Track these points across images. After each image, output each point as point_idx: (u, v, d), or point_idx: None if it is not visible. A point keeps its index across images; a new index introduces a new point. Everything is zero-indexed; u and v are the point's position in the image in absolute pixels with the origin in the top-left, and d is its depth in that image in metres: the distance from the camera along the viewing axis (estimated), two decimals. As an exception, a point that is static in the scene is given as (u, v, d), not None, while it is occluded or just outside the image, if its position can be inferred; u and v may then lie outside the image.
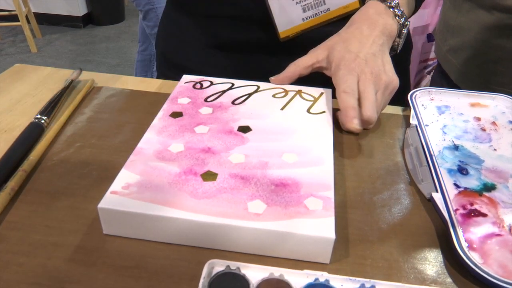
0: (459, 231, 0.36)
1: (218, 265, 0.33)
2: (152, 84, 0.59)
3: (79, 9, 4.21)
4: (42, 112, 0.49)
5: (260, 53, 0.62)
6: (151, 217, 0.34)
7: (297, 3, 0.57)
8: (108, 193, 0.35)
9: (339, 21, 0.57)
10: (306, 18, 0.57)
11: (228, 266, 0.32)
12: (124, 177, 0.37)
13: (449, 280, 0.34)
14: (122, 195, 0.35)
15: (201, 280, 0.31)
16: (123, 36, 4.09)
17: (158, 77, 0.72)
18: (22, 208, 0.39)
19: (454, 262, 0.35)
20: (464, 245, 0.35)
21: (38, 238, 0.36)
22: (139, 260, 0.34)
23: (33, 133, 0.46)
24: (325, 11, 0.57)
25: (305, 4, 0.57)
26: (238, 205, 0.35)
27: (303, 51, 0.55)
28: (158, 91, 0.58)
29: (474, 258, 0.34)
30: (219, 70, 0.62)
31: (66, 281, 0.32)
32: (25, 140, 0.45)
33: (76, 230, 0.37)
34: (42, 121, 0.48)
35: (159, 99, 0.55)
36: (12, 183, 0.40)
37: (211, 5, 0.61)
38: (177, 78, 0.55)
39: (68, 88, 0.55)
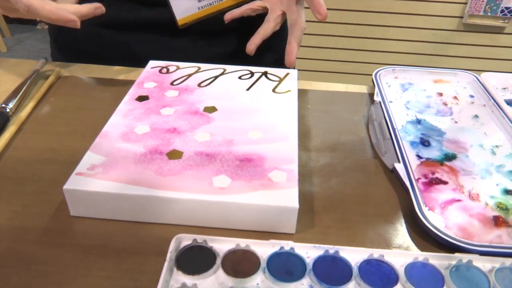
0: (420, 198, 0.38)
1: (185, 240, 0.33)
2: (118, 72, 0.59)
3: (50, 7, 4.14)
4: (6, 101, 0.48)
5: (158, 34, 0.63)
6: (117, 195, 0.34)
7: None
8: (73, 175, 0.35)
9: (232, 9, 0.60)
10: (202, 7, 0.60)
11: (195, 240, 0.33)
12: (90, 159, 0.37)
13: (412, 244, 0.35)
14: (87, 176, 0.35)
15: (168, 254, 0.32)
16: (96, 33, 4.03)
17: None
18: (-14, 198, 0.38)
19: (417, 228, 0.36)
20: (425, 210, 0.36)
21: (3, 223, 0.36)
22: (107, 239, 0.34)
23: (0, 121, 0.46)
24: (218, 0, 0.60)
25: None
26: (203, 180, 0.35)
27: (200, 34, 0.61)
28: (126, 78, 0.58)
29: (436, 222, 0.35)
30: (116, 51, 0.62)
31: (33, 263, 0.32)
32: (-10, 128, 0.44)
33: (43, 213, 0.37)
34: (7, 110, 0.47)
35: (126, 85, 0.55)
36: (-24, 171, 0.39)
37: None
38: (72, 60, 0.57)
39: (33, 77, 0.55)
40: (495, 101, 0.53)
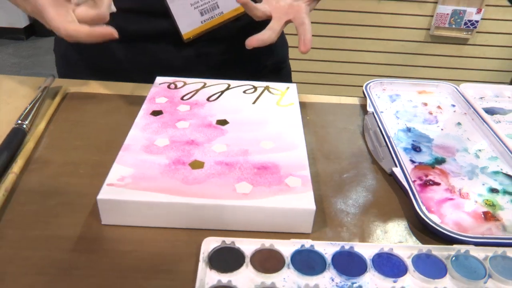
0: (419, 198, 0.42)
1: (214, 242, 0.36)
2: (124, 88, 0.62)
3: (21, 21, 4.05)
4: (22, 118, 0.50)
5: (164, 45, 0.66)
6: (148, 203, 0.37)
7: (195, 8, 0.62)
8: (105, 186, 0.38)
9: (233, 22, 0.64)
10: (205, 21, 0.64)
11: (223, 241, 0.36)
12: (118, 171, 0.40)
13: (413, 238, 0.39)
14: (118, 186, 0.38)
15: (201, 255, 0.35)
16: (69, 47, 3.99)
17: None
18: (17, 208, 0.40)
19: (417, 224, 0.41)
20: (424, 209, 0.41)
21: (37, 233, 0.38)
22: (139, 245, 0.37)
23: (16, 137, 0.48)
24: (219, 14, 0.64)
25: (202, 9, 0.63)
26: (227, 187, 0.39)
27: (205, 44, 0.65)
28: (132, 94, 0.60)
29: (433, 219, 0.40)
30: (124, 62, 0.65)
31: (71, 269, 0.35)
32: (10, 144, 0.46)
33: (74, 223, 0.39)
34: (24, 126, 0.49)
35: (134, 101, 0.58)
36: (5, 185, 0.41)
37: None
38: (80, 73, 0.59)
39: (44, 94, 0.57)
40: (474, 109, 0.58)
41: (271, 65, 0.75)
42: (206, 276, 0.34)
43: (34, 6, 0.46)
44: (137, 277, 0.34)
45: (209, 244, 0.36)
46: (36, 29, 4.17)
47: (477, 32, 2.57)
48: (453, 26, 2.60)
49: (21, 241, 0.37)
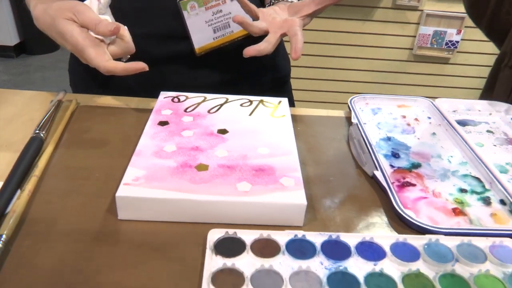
0: (397, 197, 0.48)
1: (218, 233, 0.42)
2: (130, 102, 0.67)
3: (11, 39, 4.09)
4: (40, 128, 0.55)
5: (178, 65, 0.73)
6: (161, 200, 0.42)
7: (209, 25, 0.70)
8: (122, 185, 0.43)
9: (241, 40, 0.71)
10: (216, 38, 0.71)
11: (227, 232, 0.41)
12: (132, 172, 0.45)
13: (392, 231, 0.45)
14: (134, 185, 0.43)
15: (208, 244, 0.40)
16: (60, 64, 4.02)
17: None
18: (40, 207, 0.45)
19: (395, 219, 0.47)
20: (401, 205, 0.47)
21: (60, 227, 0.43)
22: (152, 236, 0.42)
23: (35, 145, 0.53)
24: (230, 32, 0.71)
25: (215, 27, 0.70)
26: (229, 186, 0.44)
27: (214, 63, 0.73)
28: (137, 107, 0.66)
29: (409, 214, 0.46)
30: (137, 83, 0.71)
31: (93, 257, 0.40)
32: (29, 150, 0.51)
33: (93, 219, 0.44)
34: (41, 135, 0.54)
35: (140, 113, 0.63)
36: (29, 186, 0.46)
37: (136, 24, 0.69)
38: (90, 93, 0.67)
39: (56, 107, 0.62)
40: (448, 121, 0.65)
41: (275, 80, 0.82)
42: (212, 261, 0.39)
43: (74, 46, 0.52)
44: (151, 264, 0.39)
45: (214, 235, 0.41)
46: (26, 47, 4.21)
47: (458, 52, 2.69)
48: (435, 46, 2.72)
49: (46, 234, 0.42)
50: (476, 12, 0.84)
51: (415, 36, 2.74)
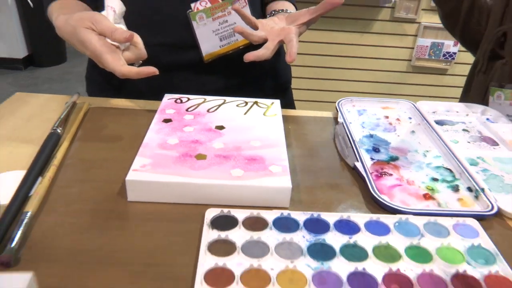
0: (374, 184, 0.54)
1: (214, 211, 0.48)
2: (137, 103, 0.74)
3: (20, 51, 4.19)
4: (57, 125, 0.62)
5: (186, 72, 0.80)
6: (165, 183, 0.48)
7: (216, 34, 0.77)
8: (131, 171, 0.50)
9: (245, 48, 0.77)
10: (222, 45, 0.78)
11: (222, 211, 0.48)
12: (140, 161, 0.52)
13: (369, 212, 0.51)
14: (141, 171, 0.50)
15: (205, 220, 0.46)
16: (67, 76, 4.11)
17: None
18: (60, 191, 0.52)
19: (372, 203, 0.53)
20: (377, 191, 0.53)
21: (78, 207, 0.49)
22: (158, 214, 0.48)
23: (53, 139, 0.59)
24: (235, 40, 0.79)
25: (221, 36, 0.78)
26: (224, 172, 0.50)
27: (221, 69, 0.80)
28: (144, 108, 0.72)
29: (384, 198, 0.52)
30: (148, 87, 0.78)
31: (109, 229, 0.46)
32: (48, 144, 0.58)
33: (106, 200, 0.50)
34: (58, 131, 0.61)
35: (146, 113, 0.70)
36: (49, 174, 0.53)
37: (149, 34, 0.75)
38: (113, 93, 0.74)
39: (71, 107, 0.69)
40: (427, 121, 0.71)
41: (277, 85, 0.90)
42: (209, 234, 0.45)
43: (92, 52, 0.59)
44: (157, 236, 0.46)
45: (211, 213, 0.48)
46: (35, 59, 4.31)
47: (455, 63, 2.75)
48: (433, 57, 2.79)
49: (66, 212, 0.48)
50: (450, 22, 0.91)
51: (413, 48, 2.81)
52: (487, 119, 0.75)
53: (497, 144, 0.68)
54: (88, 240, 0.45)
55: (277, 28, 0.74)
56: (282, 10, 0.82)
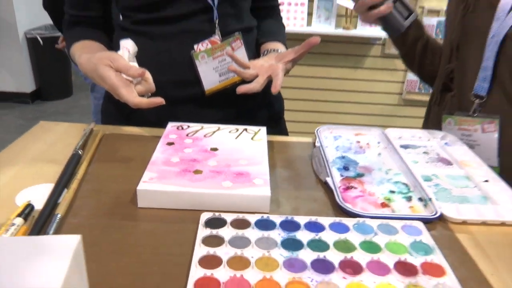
0: (340, 195, 0.65)
1: (208, 215, 0.59)
2: (145, 131, 0.86)
3: (28, 86, 4.36)
4: (78, 147, 0.74)
5: (189, 105, 0.93)
6: (168, 192, 0.60)
7: (215, 71, 0.91)
8: (141, 182, 0.61)
9: (240, 83, 0.88)
10: (221, 81, 0.92)
11: (214, 214, 0.59)
12: (148, 174, 0.63)
13: (337, 217, 0.62)
14: (149, 183, 0.61)
15: (200, 221, 0.58)
16: (72, 110, 4.27)
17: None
18: (82, 200, 0.63)
19: (338, 210, 0.64)
20: (342, 200, 0.64)
21: (98, 211, 0.61)
22: (163, 217, 0.60)
23: (75, 159, 0.71)
24: (232, 76, 0.92)
25: (220, 72, 0.91)
26: (216, 184, 0.62)
27: (220, 102, 0.92)
28: (150, 134, 0.85)
29: (347, 206, 0.63)
30: (157, 118, 0.89)
31: (123, 228, 0.57)
32: (72, 162, 0.70)
33: (120, 207, 0.62)
34: (80, 152, 0.73)
35: (153, 138, 0.82)
36: (73, 186, 0.65)
37: (157, 72, 0.86)
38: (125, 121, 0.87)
39: (89, 133, 0.81)
40: (392, 145, 0.83)
41: (270, 116, 1.03)
42: (203, 231, 0.56)
43: (110, 86, 0.72)
44: (161, 233, 0.57)
45: (205, 216, 0.59)
46: (41, 93, 4.48)
47: (444, 96, 2.89)
48: (422, 91, 2.95)
49: (88, 216, 0.60)
50: (408, 62, 1.05)
51: (403, 82, 2.97)
52: (446, 143, 0.87)
53: (451, 164, 0.80)
54: (105, 236, 0.56)
55: (266, 65, 0.87)
56: (273, 50, 0.96)
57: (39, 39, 4.13)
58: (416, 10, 0.85)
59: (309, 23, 2.87)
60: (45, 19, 3.68)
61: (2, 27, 4.07)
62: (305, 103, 3.03)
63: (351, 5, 2.82)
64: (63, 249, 0.33)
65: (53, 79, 4.47)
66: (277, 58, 0.89)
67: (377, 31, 2.89)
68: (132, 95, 0.71)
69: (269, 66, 0.87)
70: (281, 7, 2.82)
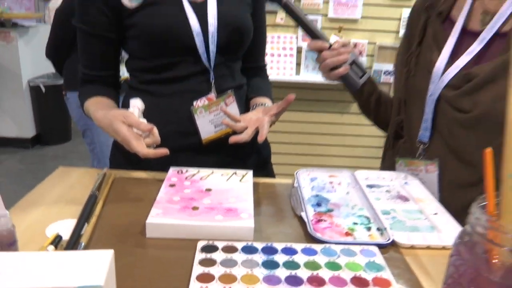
0: (312, 227, 0.80)
1: (203, 242, 0.73)
2: (151, 174, 1.01)
3: (29, 131, 4.51)
4: (95, 189, 0.89)
5: (189, 153, 1.08)
6: (171, 225, 0.75)
7: (211, 123, 1.07)
8: (149, 217, 0.76)
9: (232, 133, 1.04)
10: (216, 131, 1.08)
11: (208, 242, 0.73)
12: (155, 211, 0.78)
13: (308, 244, 0.77)
14: (156, 217, 0.76)
15: (197, 248, 0.72)
16: (70, 155, 4.40)
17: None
18: (101, 231, 0.77)
19: (310, 239, 0.78)
20: (313, 230, 0.79)
21: (113, 241, 0.75)
22: (167, 244, 0.74)
23: (93, 199, 0.86)
24: (225, 127, 1.07)
25: (216, 124, 1.07)
26: (210, 218, 0.77)
27: (215, 149, 1.08)
28: (154, 178, 1.00)
29: (317, 235, 0.78)
30: (158, 164, 1.03)
31: (133, 254, 0.71)
32: (90, 202, 0.84)
33: (132, 237, 0.76)
34: (96, 193, 0.88)
35: (157, 181, 0.97)
36: (92, 220, 0.79)
37: (161, 125, 1.02)
38: (132, 167, 1.03)
39: (104, 177, 0.96)
40: (359, 185, 0.99)
41: (258, 161, 1.18)
42: (200, 255, 0.70)
43: (123, 138, 0.88)
44: (166, 257, 0.71)
45: (201, 243, 0.73)
46: (41, 138, 4.63)
47: (426, 139, 3.06)
48: (406, 134, 3.11)
49: (106, 244, 0.74)
50: (364, 112, 1.23)
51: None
52: (405, 182, 1.03)
53: (408, 200, 0.95)
54: (120, 259, 0.69)
55: (254, 118, 1.04)
56: (261, 104, 1.13)
57: (41, 87, 4.33)
58: (369, 71, 1.04)
59: (297, 72, 3.09)
60: (48, 68, 3.89)
61: (7, 76, 4.27)
62: (295, 147, 3.21)
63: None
64: (101, 258, 0.48)
65: (53, 124, 4.62)
66: (263, 111, 1.06)
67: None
68: (141, 147, 0.87)
69: (257, 119, 1.03)
70: (272, 58, 3.07)
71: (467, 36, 0.97)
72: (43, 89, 4.34)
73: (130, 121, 0.89)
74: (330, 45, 1.05)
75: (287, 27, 3.04)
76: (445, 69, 0.98)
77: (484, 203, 0.51)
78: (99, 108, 1.01)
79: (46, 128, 4.65)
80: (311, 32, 1.05)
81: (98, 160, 2.70)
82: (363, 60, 3.10)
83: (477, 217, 0.49)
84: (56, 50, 2.65)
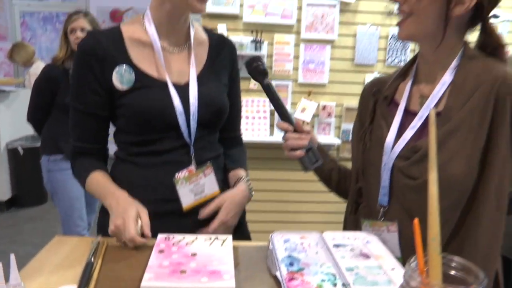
0: (285, 284, 0.92)
1: (191, 302, 0.84)
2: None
3: (4, 194, 4.50)
4: (90, 257, 0.99)
5: (171, 218, 1.21)
6: (164, 287, 0.86)
7: (191, 192, 1.21)
8: (143, 281, 0.87)
9: (210, 200, 1.19)
10: (196, 199, 1.22)
11: (195, 302, 0.84)
12: (147, 275, 0.89)
13: (280, 300, 0.89)
14: (149, 281, 0.87)
15: (186, 307, 0.83)
16: (47, 216, 4.39)
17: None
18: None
19: (283, 295, 0.90)
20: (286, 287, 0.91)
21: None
22: (158, 306, 0.85)
23: (90, 266, 0.96)
24: (204, 196, 1.22)
25: (195, 193, 1.21)
26: (197, 280, 0.88)
27: (194, 215, 1.21)
28: (145, 244, 1.11)
29: (290, 292, 0.90)
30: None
31: (130, 316, 0.81)
32: (88, 268, 0.94)
33: (127, 300, 0.86)
34: (92, 260, 0.98)
35: (147, 247, 1.08)
36: (92, 285, 0.89)
37: (146, 195, 1.19)
38: None
39: (98, 245, 1.06)
40: (327, 245, 1.12)
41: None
42: (189, 314, 0.81)
43: (123, 221, 1.01)
44: (158, 319, 0.81)
45: (189, 303, 0.84)
46: (17, 200, 4.61)
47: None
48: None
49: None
50: (325, 183, 1.40)
51: (357, 182, 3.33)
52: (367, 241, 1.17)
53: (369, 257, 1.08)
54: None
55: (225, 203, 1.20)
56: (239, 179, 1.28)
57: (19, 149, 4.38)
58: (321, 160, 1.23)
59: (271, 133, 3.28)
60: (27, 130, 3.97)
61: (-15, 140, 4.31)
62: (271, 204, 3.33)
63: (308, 118, 3.25)
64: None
65: (29, 186, 4.62)
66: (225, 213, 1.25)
67: (331, 139, 3.31)
68: (135, 232, 1.03)
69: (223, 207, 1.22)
70: (247, 120, 3.25)
71: (409, 115, 1.15)
72: (21, 152, 4.39)
73: (143, 218, 1.02)
74: (295, 129, 1.22)
75: (260, 92, 3.26)
76: (394, 142, 1.16)
77: (416, 262, 0.65)
78: (105, 192, 1.18)
79: (22, 190, 4.65)
80: (282, 114, 1.22)
81: (62, 223, 2.83)
82: (332, 121, 3.33)
83: (409, 275, 0.63)
84: (36, 115, 2.85)
